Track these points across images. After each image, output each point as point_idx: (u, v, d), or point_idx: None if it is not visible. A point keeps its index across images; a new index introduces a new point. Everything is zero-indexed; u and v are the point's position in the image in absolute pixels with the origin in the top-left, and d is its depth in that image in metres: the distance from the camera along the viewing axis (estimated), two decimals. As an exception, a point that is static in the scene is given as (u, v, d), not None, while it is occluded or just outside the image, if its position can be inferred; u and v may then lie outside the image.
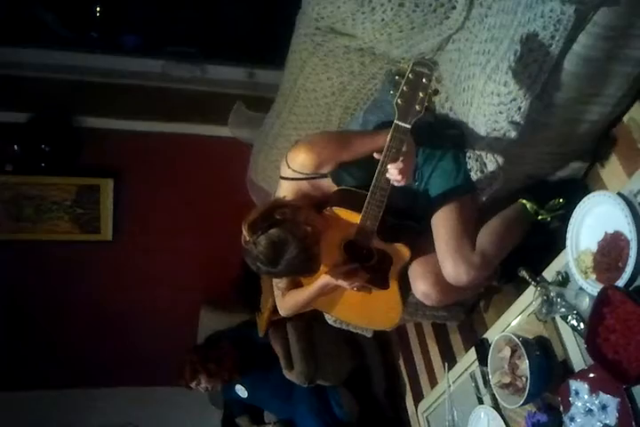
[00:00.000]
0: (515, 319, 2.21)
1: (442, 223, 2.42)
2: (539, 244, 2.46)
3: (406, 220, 2.53)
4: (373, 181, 2.23)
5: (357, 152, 2.34)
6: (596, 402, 1.74)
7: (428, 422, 2.84)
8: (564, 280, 1.98)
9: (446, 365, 2.80)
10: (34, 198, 4.04)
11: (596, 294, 1.77)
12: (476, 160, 2.50)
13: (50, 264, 4.32)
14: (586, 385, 1.78)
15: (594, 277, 1.84)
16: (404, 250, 2.46)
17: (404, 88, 2.02)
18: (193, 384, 4.05)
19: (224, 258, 4.31)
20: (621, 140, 2.43)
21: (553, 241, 2.22)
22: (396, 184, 2.19)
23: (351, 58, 2.90)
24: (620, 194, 1.80)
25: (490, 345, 2.19)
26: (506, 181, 2.49)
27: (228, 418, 4.58)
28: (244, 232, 2.22)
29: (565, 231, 1.96)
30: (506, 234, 2.46)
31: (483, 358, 2.28)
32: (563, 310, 1.91)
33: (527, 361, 1.95)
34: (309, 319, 4.02)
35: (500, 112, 2.29)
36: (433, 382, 3.62)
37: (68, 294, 4.45)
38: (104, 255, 4.37)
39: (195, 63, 3.97)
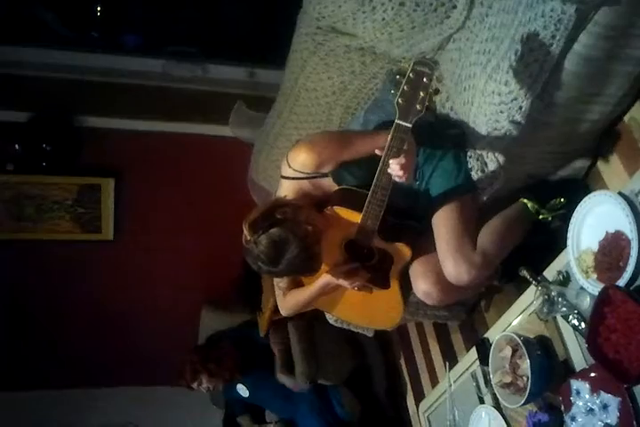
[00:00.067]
0: (516, 319, 2.21)
1: (443, 223, 2.42)
2: (540, 243, 2.46)
3: (407, 219, 2.53)
4: (374, 181, 2.23)
5: (358, 152, 2.34)
6: (597, 402, 1.74)
7: (429, 421, 2.84)
8: (565, 280, 1.98)
9: (447, 364, 2.80)
10: (35, 198, 4.04)
11: (596, 293, 1.77)
12: (477, 159, 2.50)
13: (51, 264, 4.32)
14: (587, 385, 1.78)
15: (595, 276, 1.84)
16: (404, 249, 2.46)
17: (405, 87, 2.02)
18: (194, 384, 4.05)
19: (225, 258, 4.31)
20: (622, 139, 2.43)
21: (554, 240, 2.21)
22: (397, 180, 2.19)
23: (352, 57, 2.90)
24: (621, 193, 1.80)
25: (491, 345, 2.19)
26: (507, 180, 2.49)
27: (229, 418, 4.58)
28: (245, 232, 2.22)
29: (566, 231, 1.96)
30: (507, 233, 2.46)
31: (484, 358, 2.28)
32: (564, 309, 1.91)
33: (528, 361, 1.95)
34: (310, 319, 4.02)
35: (501, 111, 2.28)
36: (434, 382, 3.62)
37: (69, 293, 4.45)
38: (105, 255, 4.37)
39: (195, 63, 3.97)
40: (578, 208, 1.93)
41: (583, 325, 1.87)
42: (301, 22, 2.95)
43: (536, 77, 2.16)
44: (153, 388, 4.98)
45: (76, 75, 3.81)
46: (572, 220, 1.94)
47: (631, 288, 1.71)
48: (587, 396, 1.78)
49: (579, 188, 2.54)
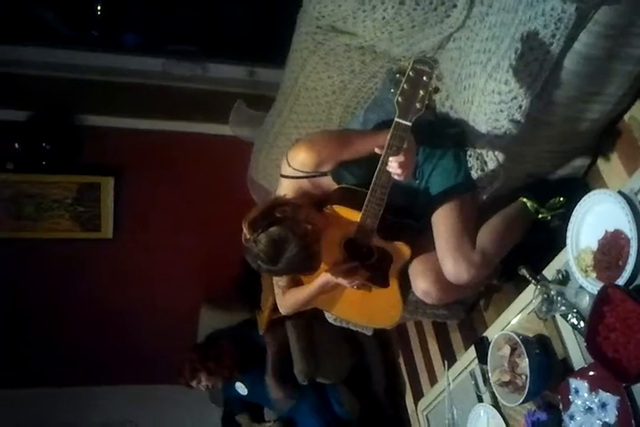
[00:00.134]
0: (515, 318, 2.21)
1: (442, 221, 2.42)
2: (539, 242, 2.46)
3: (406, 218, 2.53)
4: (374, 179, 2.23)
5: (358, 151, 2.35)
6: (596, 400, 1.74)
7: (428, 420, 2.84)
8: (565, 279, 1.98)
9: (446, 363, 2.81)
10: (34, 197, 4.04)
11: (596, 292, 1.77)
12: (477, 158, 2.50)
13: (50, 262, 4.32)
14: (585, 383, 1.78)
15: (594, 275, 1.84)
16: (404, 248, 2.46)
17: (405, 86, 2.02)
18: (193, 383, 4.05)
19: (224, 256, 4.31)
20: (622, 138, 2.43)
21: (553, 239, 2.21)
22: (396, 178, 2.19)
23: (352, 56, 2.90)
24: (620, 192, 1.80)
25: (490, 343, 2.19)
26: (506, 179, 2.49)
27: (228, 416, 4.58)
28: (245, 230, 2.22)
29: (566, 230, 1.96)
30: (506, 232, 2.46)
31: (482, 357, 2.28)
32: (563, 308, 1.91)
33: (527, 359, 1.95)
34: (309, 317, 4.02)
35: (501, 110, 2.29)
36: (433, 381, 3.62)
37: (68, 292, 4.45)
38: (104, 253, 4.37)
39: (195, 61, 3.97)
40: (577, 207, 1.94)
41: (582, 324, 1.87)
42: (301, 21, 2.95)
43: (536, 76, 2.16)
44: (152, 386, 4.98)
45: (76, 74, 3.80)
46: (572, 219, 1.95)
47: (630, 287, 1.71)
48: (585, 395, 1.78)
49: (578, 187, 2.54)
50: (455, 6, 2.54)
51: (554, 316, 1.99)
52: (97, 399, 4.93)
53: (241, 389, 4.25)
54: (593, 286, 1.81)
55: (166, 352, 4.17)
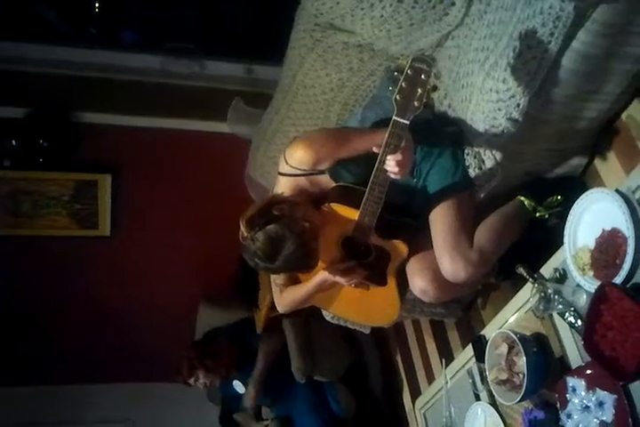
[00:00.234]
0: (512, 316, 2.22)
1: (439, 220, 2.42)
2: (536, 240, 2.46)
3: (404, 216, 2.53)
4: (372, 178, 2.23)
5: (356, 149, 2.35)
6: (593, 399, 1.75)
7: (426, 418, 2.84)
8: (562, 277, 1.99)
9: (444, 361, 2.81)
10: (32, 194, 4.03)
11: (593, 290, 1.77)
12: (475, 157, 2.50)
13: (47, 260, 4.31)
14: (583, 382, 1.79)
15: (591, 273, 1.84)
16: (401, 247, 2.46)
17: (403, 84, 2.02)
18: (191, 380, 4.05)
19: (222, 254, 4.29)
20: (619, 137, 2.43)
21: (551, 238, 2.21)
22: (392, 177, 2.19)
23: (350, 54, 2.90)
24: (617, 191, 1.80)
25: (487, 342, 2.19)
26: (504, 177, 2.49)
27: (225, 414, 4.59)
28: (242, 228, 2.22)
29: (563, 228, 1.96)
30: (504, 231, 2.46)
31: (480, 355, 2.28)
32: (560, 306, 1.91)
33: (524, 358, 1.95)
34: (307, 316, 4.02)
35: (499, 109, 2.29)
36: (430, 379, 3.62)
37: (65, 289, 4.45)
38: (102, 251, 4.37)
39: (193, 59, 3.96)
40: (575, 206, 1.94)
41: (579, 322, 1.87)
42: (300, 19, 2.94)
43: (534, 75, 2.16)
44: (150, 384, 4.98)
45: (73, 71, 3.79)
46: (569, 217, 1.95)
47: (627, 286, 1.72)
48: (582, 393, 1.78)
49: (576, 185, 2.54)
50: (453, 4, 2.54)
51: (551, 314, 1.99)
52: (95, 397, 4.94)
53: (239, 387, 4.26)
54: (590, 284, 1.82)
55: (164, 350, 4.18)
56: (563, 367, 1.93)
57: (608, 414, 1.70)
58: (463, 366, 2.51)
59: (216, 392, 4.56)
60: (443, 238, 2.39)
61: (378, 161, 2.18)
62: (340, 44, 2.87)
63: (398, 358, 4.11)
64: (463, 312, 3.29)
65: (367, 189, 2.27)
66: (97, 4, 4.05)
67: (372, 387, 4.34)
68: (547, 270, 2.06)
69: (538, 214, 2.51)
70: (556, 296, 1.92)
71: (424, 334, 3.79)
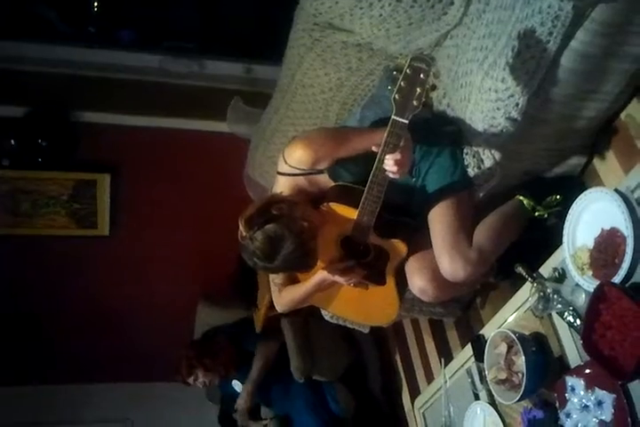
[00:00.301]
0: (511, 316, 2.22)
1: (438, 219, 2.42)
2: (535, 240, 2.46)
3: (403, 216, 2.53)
4: (370, 177, 2.23)
5: (355, 148, 2.35)
6: (592, 398, 1.75)
7: (425, 417, 2.84)
8: (561, 276, 1.98)
9: (443, 361, 2.81)
10: (31, 193, 4.03)
11: (592, 290, 1.77)
12: (474, 156, 2.50)
13: (47, 259, 4.32)
14: (582, 381, 1.79)
15: (590, 273, 1.84)
16: (400, 246, 2.46)
17: (402, 83, 2.02)
18: (190, 379, 4.05)
19: (221, 253, 4.29)
20: (618, 136, 2.43)
21: (550, 237, 2.21)
22: (391, 176, 2.19)
23: (349, 53, 2.90)
24: (616, 190, 1.80)
25: (486, 341, 2.19)
26: (503, 177, 2.49)
27: (224, 413, 4.58)
28: (241, 227, 2.22)
29: (562, 228, 1.96)
30: (503, 230, 2.46)
31: (479, 354, 2.28)
32: (559, 306, 1.91)
33: (523, 357, 1.95)
34: (306, 315, 4.02)
35: (498, 108, 2.28)
36: (429, 378, 3.62)
37: (64, 288, 4.45)
38: (101, 250, 4.37)
39: (192, 58, 3.96)
40: (574, 205, 1.94)
41: (578, 321, 1.87)
42: (298, 18, 2.94)
43: (533, 74, 2.16)
44: (149, 384, 4.99)
45: (72, 70, 3.79)
46: (568, 217, 1.95)
47: (626, 285, 1.72)
48: (581, 392, 1.78)
49: (575, 185, 2.54)
50: (452, 3, 2.54)
51: (550, 314, 1.99)
52: (94, 397, 4.94)
53: (238, 387, 4.25)
54: (589, 283, 1.81)
55: (163, 350, 4.18)
56: (562, 367, 1.93)
57: (607, 414, 1.70)
58: (462, 366, 2.51)
59: (215, 392, 4.56)
60: (442, 238, 2.39)
61: (377, 160, 2.18)
62: (338, 43, 2.87)
63: (397, 358, 4.12)
64: (462, 312, 3.29)
65: (366, 189, 2.27)
66: (96, 4, 4.05)
67: (371, 386, 4.34)
68: (546, 270, 2.06)
69: (537, 214, 2.51)
70: (555, 296, 1.92)
71: (423, 333, 3.79)
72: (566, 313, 1.91)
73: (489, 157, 2.45)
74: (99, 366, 4.73)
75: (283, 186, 2.44)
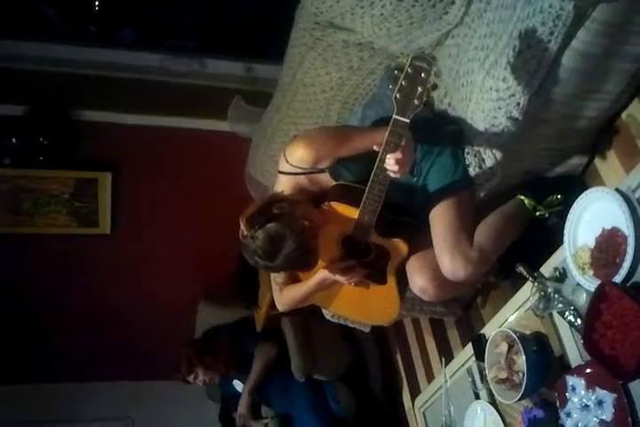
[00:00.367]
0: (512, 315, 2.21)
1: (439, 218, 2.42)
2: (536, 240, 2.46)
3: (404, 215, 2.53)
4: (372, 176, 2.23)
5: (356, 148, 2.34)
6: (593, 398, 1.75)
7: (425, 417, 2.84)
8: (562, 276, 1.98)
9: (443, 360, 2.80)
10: (32, 192, 4.03)
11: (593, 289, 1.77)
12: (475, 156, 2.50)
13: (48, 258, 4.32)
14: (582, 381, 1.79)
15: (591, 272, 1.84)
16: (401, 245, 2.46)
17: (403, 83, 2.02)
18: (190, 378, 4.06)
19: (222, 252, 4.29)
20: (620, 136, 2.43)
21: (551, 237, 2.21)
22: (392, 175, 2.19)
23: (350, 53, 2.90)
24: (617, 190, 1.80)
25: (487, 340, 2.19)
26: (504, 176, 2.49)
27: (225, 413, 4.59)
28: (242, 226, 2.22)
29: (563, 227, 1.96)
30: (504, 230, 2.46)
31: (480, 354, 2.28)
32: (560, 305, 1.91)
33: (524, 357, 1.95)
34: (307, 314, 4.02)
35: (499, 108, 2.28)
36: (430, 378, 3.62)
37: (65, 287, 4.45)
38: (102, 249, 4.37)
39: (193, 57, 3.96)
40: (575, 205, 1.94)
41: (579, 321, 1.87)
42: (299, 17, 2.94)
43: (534, 74, 2.16)
44: (149, 382, 4.99)
45: (73, 69, 3.79)
46: (569, 216, 1.95)
47: (627, 285, 1.72)
48: (582, 392, 1.78)
49: (576, 184, 2.54)
50: (453, 3, 2.54)
51: (551, 313, 1.99)
52: (94, 395, 4.94)
53: (238, 386, 4.26)
54: (590, 283, 1.81)
55: (163, 348, 4.18)
56: (562, 366, 1.93)
57: (607, 413, 1.70)
58: (463, 365, 2.51)
59: (215, 390, 4.57)
60: (443, 237, 2.39)
61: (378, 160, 2.18)
62: (339, 42, 2.87)
63: (398, 357, 4.12)
64: (463, 311, 3.29)
65: (367, 188, 2.27)
66: (97, 2, 4.05)
67: (372, 386, 4.34)
68: (546, 269, 2.06)
69: (538, 213, 2.51)
70: (556, 295, 1.92)
71: (424, 332, 3.79)
72: (567, 313, 1.91)
73: (490, 157, 2.45)
74: (99, 364, 4.73)
75: (284, 185, 2.44)
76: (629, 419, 1.63)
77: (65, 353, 4.61)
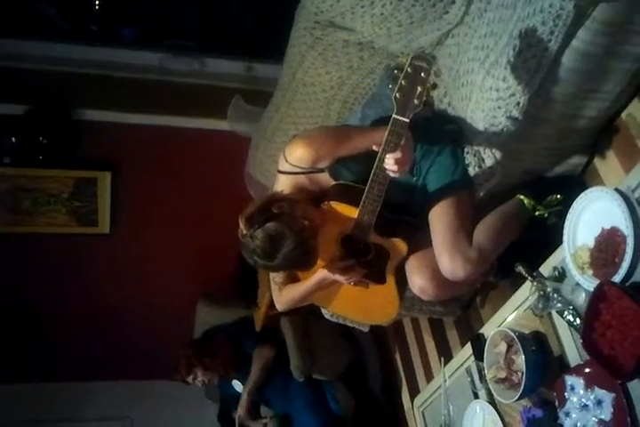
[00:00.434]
0: (511, 315, 2.21)
1: (439, 218, 2.42)
2: (536, 239, 2.46)
3: (403, 215, 2.53)
4: (371, 176, 2.23)
5: (356, 147, 2.34)
6: (592, 397, 1.74)
7: (424, 416, 2.84)
8: (561, 276, 1.98)
9: (442, 359, 2.80)
10: (31, 191, 4.03)
11: (592, 289, 1.77)
12: (474, 155, 2.50)
13: (47, 257, 4.32)
14: (581, 380, 1.79)
15: (590, 272, 1.84)
16: (401, 245, 2.46)
17: (403, 82, 2.02)
18: (189, 378, 4.05)
19: (221, 252, 4.29)
20: (619, 136, 2.43)
21: (550, 237, 2.21)
22: (392, 175, 2.19)
23: (350, 52, 2.90)
24: (617, 190, 1.80)
25: (486, 340, 2.19)
26: (503, 176, 2.49)
27: (224, 413, 4.59)
28: (242, 226, 2.22)
29: (562, 227, 1.96)
30: (503, 229, 2.46)
31: (479, 353, 2.28)
32: (559, 305, 1.91)
33: (523, 356, 1.95)
34: (306, 314, 4.02)
35: (499, 107, 2.28)
36: (429, 377, 3.62)
37: (65, 287, 4.45)
38: (101, 248, 4.37)
39: (193, 56, 3.96)
40: (574, 204, 1.93)
41: (578, 321, 1.87)
42: (300, 17, 2.94)
43: (534, 73, 2.16)
44: (149, 382, 4.99)
45: (73, 68, 3.79)
46: (569, 216, 1.95)
47: (626, 284, 1.71)
48: (581, 392, 1.78)
49: (575, 184, 2.54)
50: (454, 2, 2.54)
51: (550, 313, 1.99)
52: (94, 395, 4.94)
53: (238, 386, 4.26)
54: (589, 283, 1.81)
55: (163, 348, 4.18)
56: (561, 366, 1.93)
57: (606, 413, 1.70)
58: (462, 365, 2.51)
59: (214, 390, 4.57)
60: (442, 237, 2.39)
61: (377, 159, 2.18)
62: (339, 42, 2.87)
63: (397, 357, 4.12)
64: (462, 311, 3.29)
65: (367, 188, 2.27)
66: (97, 1, 4.05)
67: (371, 385, 4.34)
68: (546, 269, 2.06)
69: (537, 213, 2.51)
70: (555, 295, 1.92)
71: (423, 332, 3.80)
72: (566, 312, 1.91)
73: (490, 156, 2.45)
74: (99, 363, 4.72)
75: (283, 184, 2.44)
76: (628, 419, 1.63)
77: (65, 352, 4.61)
